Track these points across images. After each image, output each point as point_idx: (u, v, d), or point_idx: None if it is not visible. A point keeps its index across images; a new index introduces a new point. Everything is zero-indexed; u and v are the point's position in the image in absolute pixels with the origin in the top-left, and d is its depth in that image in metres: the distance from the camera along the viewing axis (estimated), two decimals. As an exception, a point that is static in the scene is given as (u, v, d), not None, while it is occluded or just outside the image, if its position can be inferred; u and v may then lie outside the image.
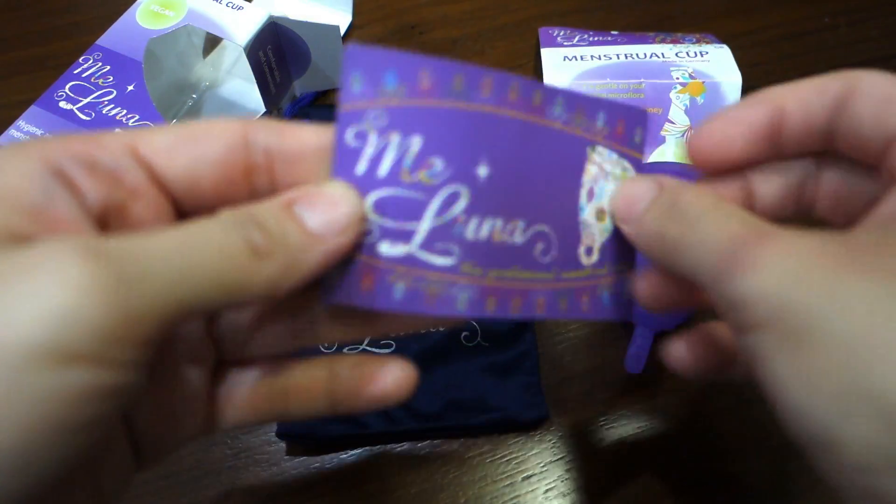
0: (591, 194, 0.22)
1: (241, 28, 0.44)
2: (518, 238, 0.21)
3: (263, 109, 0.47)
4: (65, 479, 0.15)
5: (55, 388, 0.14)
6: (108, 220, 0.18)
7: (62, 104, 0.44)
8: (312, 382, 0.23)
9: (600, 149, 0.22)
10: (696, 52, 0.44)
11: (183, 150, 0.20)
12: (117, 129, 0.20)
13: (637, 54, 0.44)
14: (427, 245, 0.19)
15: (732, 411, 0.37)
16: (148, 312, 0.15)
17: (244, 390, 0.23)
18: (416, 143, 0.19)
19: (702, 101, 0.42)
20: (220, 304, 0.17)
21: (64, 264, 0.14)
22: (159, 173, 0.19)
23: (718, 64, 0.43)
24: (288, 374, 0.23)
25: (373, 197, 0.19)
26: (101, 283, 0.14)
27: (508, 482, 0.35)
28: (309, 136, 0.21)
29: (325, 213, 0.19)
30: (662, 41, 0.45)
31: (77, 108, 0.44)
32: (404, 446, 0.36)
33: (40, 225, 0.16)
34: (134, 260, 0.15)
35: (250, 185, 0.21)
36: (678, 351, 0.24)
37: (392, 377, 0.22)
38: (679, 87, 0.42)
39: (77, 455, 0.14)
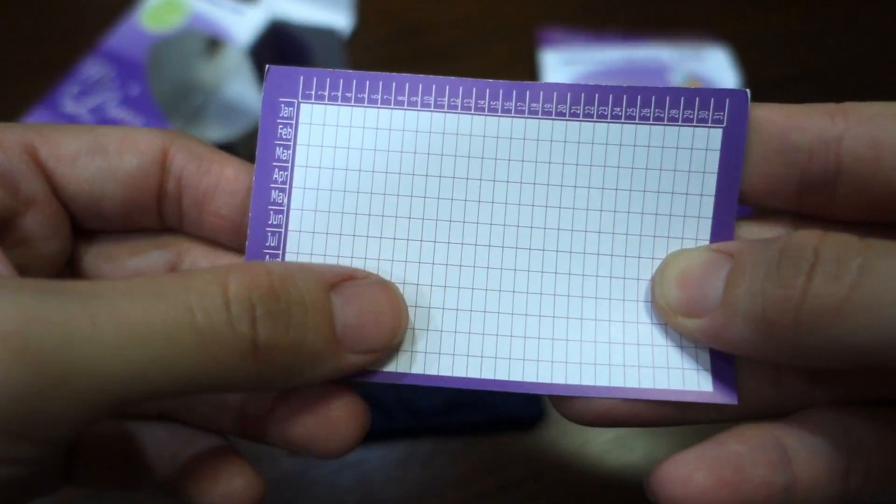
0: None
1: (244, 31, 0.45)
2: None
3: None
4: None
5: None
6: None
7: (67, 107, 0.45)
8: (155, 454, 0.18)
9: None
10: (693, 54, 0.44)
11: (90, 161, 0.16)
12: (19, 123, 0.17)
13: (636, 56, 0.44)
14: None
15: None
16: (67, 416, 0.12)
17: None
18: None
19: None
20: (176, 396, 0.13)
21: None
22: (59, 184, 0.16)
23: (715, 65, 0.43)
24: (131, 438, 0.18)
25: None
26: (15, 381, 0.11)
27: (508, 479, 0.36)
28: (231, 174, 0.17)
29: (364, 317, 0.15)
30: (660, 42, 0.46)
31: (82, 111, 0.45)
32: (404, 444, 0.37)
33: None
34: (68, 354, 0.12)
35: (161, 212, 0.17)
36: (688, 475, 0.16)
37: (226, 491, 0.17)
38: (677, 89, 0.42)
39: None
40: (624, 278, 0.18)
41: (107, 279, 0.18)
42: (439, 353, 0.18)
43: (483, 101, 0.17)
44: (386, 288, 0.16)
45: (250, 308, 0.13)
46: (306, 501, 0.35)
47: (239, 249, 0.18)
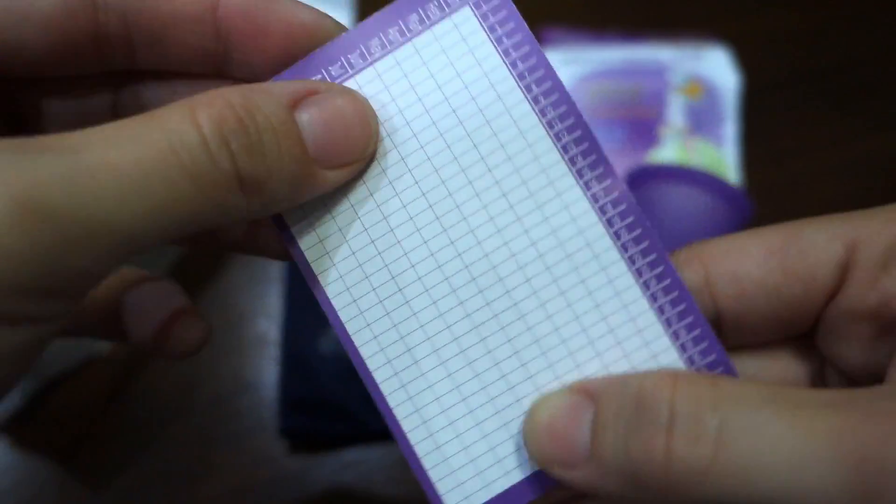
0: None
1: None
2: None
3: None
4: None
5: None
6: None
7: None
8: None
9: None
10: (693, 54, 0.44)
11: None
12: None
13: (636, 56, 0.44)
14: None
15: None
16: (85, 267, 0.12)
17: None
18: None
19: (699, 102, 0.42)
20: (179, 236, 0.14)
21: None
22: None
23: (715, 65, 0.43)
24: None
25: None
26: (30, 242, 0.12)
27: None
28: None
29: (333, 132, 0.15)
30: (660, 42, 0.46)
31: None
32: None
33: None
34: (80, 210, 0.12)
35: (103, 59, 0.16)
36: None
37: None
38: (677, 89, 0.42)
39: None
40: (498, 362, 0.17)
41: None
42: (356, 303, 0.17)
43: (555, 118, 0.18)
44: (350, 96, 0.16)
45: (226, 143, 0.13)
46: (306, 501, 0.35)
47: (211, 76, 0.17)
